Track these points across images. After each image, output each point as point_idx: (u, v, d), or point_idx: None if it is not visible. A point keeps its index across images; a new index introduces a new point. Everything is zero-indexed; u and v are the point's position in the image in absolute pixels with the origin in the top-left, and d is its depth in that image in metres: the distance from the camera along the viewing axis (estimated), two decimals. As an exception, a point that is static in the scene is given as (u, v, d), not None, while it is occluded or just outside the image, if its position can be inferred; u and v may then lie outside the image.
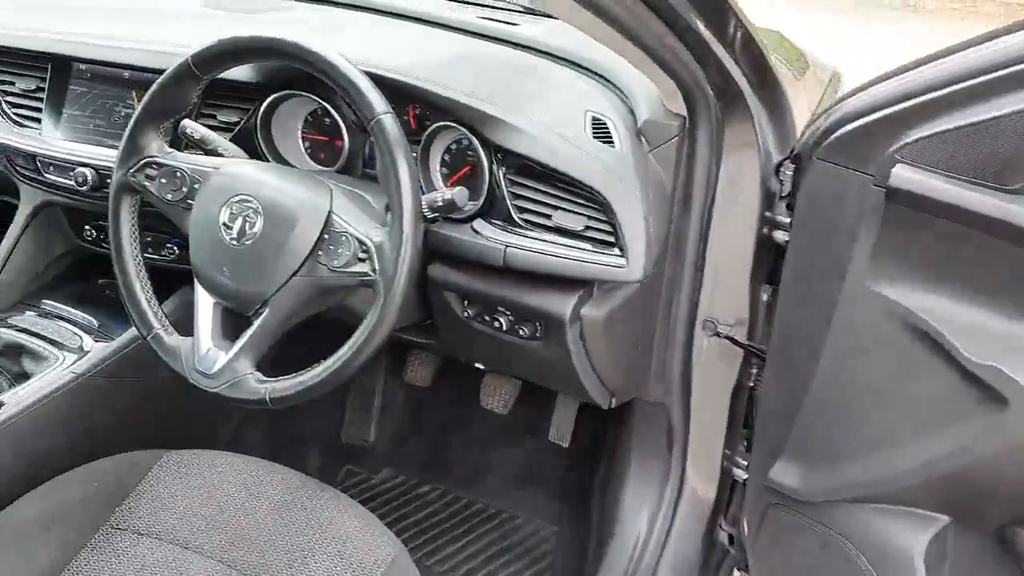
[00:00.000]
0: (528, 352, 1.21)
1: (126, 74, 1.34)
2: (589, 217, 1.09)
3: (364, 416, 1.88)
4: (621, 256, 1.06)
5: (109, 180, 1.30)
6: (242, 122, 1.28)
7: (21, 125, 1.40)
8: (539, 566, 1.66)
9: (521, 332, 1.18)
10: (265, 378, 1.02)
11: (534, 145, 1.10)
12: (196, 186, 1.07)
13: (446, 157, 1.23)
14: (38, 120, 1.39)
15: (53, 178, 1.36)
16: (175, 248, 1.41)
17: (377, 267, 0.96)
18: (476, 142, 1.14)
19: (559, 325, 1.13)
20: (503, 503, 1.76)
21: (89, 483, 1.15)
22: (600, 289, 1.14)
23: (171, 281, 1.45)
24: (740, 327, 1.27)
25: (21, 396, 1.21)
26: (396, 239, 0.95)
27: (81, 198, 1.35)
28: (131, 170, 1.10)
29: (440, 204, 1.06)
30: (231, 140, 1.23)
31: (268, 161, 1.28)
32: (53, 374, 1.26)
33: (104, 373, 1.30)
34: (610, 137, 1.14)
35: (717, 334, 1.27)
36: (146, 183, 1.09)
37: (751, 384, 1.30)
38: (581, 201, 1.10)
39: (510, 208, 1.14)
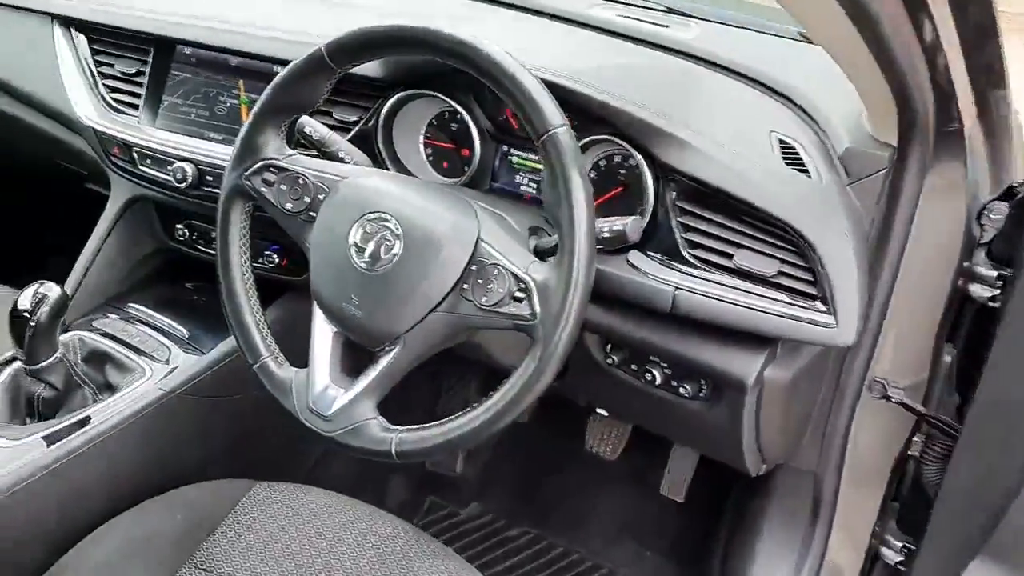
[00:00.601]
0: (682, 412, 1.05)
1: (233, 61, 1.21)
2: (782, 261, 0.92)
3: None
4: (828, 313, 0.89)
5: (209, 178, 1.20)
6: (361, 122, 1.14)
7: (117, 111, 1.28)
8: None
9: (682, 390, 1.02)
10: (391, 425, 0.88)
11: (715, 168, 0.93)
12: (321, 196, 0.93)
13: (592, 175, 1.08)
14: (136, 107, 1.27)
15: (149, 171, 1.24)
16: (274, 255, 1.28)
17: (538, 310, 0.80)
18: (641, 159, 0.98)
19: (738, 389, 0.96)
20: (602, 557, 1.60)
21: (173, 513, 1.04)
22: (784, 347, 0.97)
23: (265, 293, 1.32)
24: (914, 391, 1.09)
25: (109, 412, 1.09)
26: (564, 279, 0.79)
27: (178, 195, 1.23)
28: (247, 172, 0.96)
29: (607, 236, 0.90)
30: (348, 142, 1.10)
31: (387, 169, 1.14)
32: (141, 389, 1.14)
33: (192, 390, 1.18)
34: (803, 165, 0.97)
35: (887, 397, 1.09)
36: (263, 188, 0.96)
37: (918, 455, 1.12)
38: (772, 240, 0.93)
39: (678, 241, 0.98)
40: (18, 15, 1.36)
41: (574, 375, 1.15)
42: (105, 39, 1.31)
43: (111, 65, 1.30)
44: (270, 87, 0.95)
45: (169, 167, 1.21)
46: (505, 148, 1.14)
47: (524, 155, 1.13)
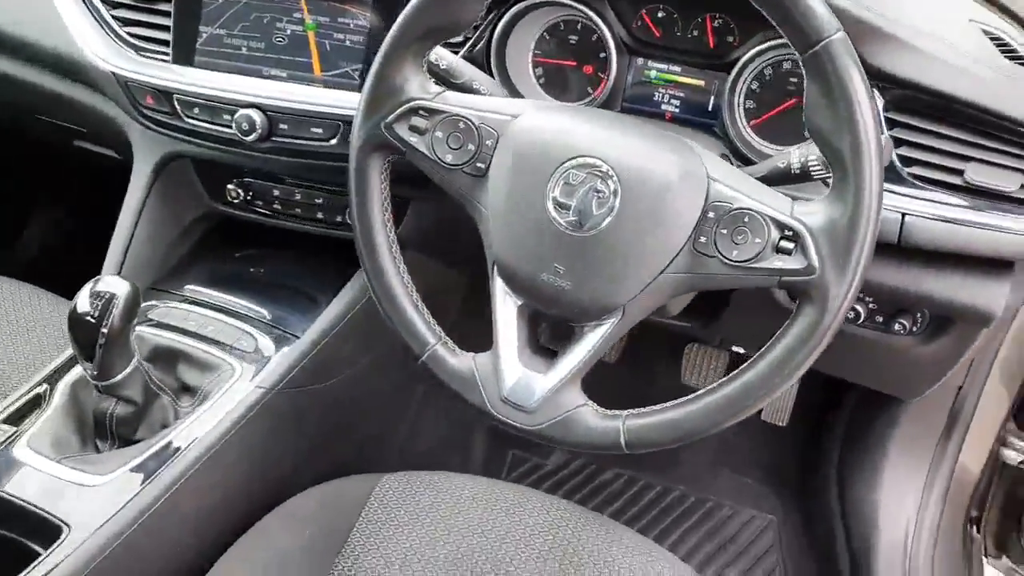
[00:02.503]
0: (879, 348, 0.93)
1: (290, -25, 0.97)
2: None
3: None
4: None
5: (283, 126, 0.98)
6: (469, 42, 0.93)
7: (139, 50, 1.02)
8: (766, 563, 1.42)
9: (897, 327, 0.89)
10: (609, 411, 0.73)
11: (940, 70, 0.78)
12: (490, 143, 0.73)
13: (754, 87, 0.91)
14: (163, 43, 1.02)
15: (199, 123, 0.99)
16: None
17: (817, 262, 0.65)
18: None
19: (980, 321, 0.84)
20: (704, 490, 1.51)
21: (301, 527, 0.88)
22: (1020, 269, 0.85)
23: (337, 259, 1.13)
24: None
25: (205, 425, 0.90)
26: (852, 221, 0.63)
27: (241, 150, 1.00)
28: (387, 120, 0.76)
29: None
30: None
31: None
32: (236, 390, 0.95)
33: (292, 383, 0.99)
34: (1021, 57, 0.82)
35: None
36: (412, 138, 0.75)
37: None
38: (1009, 150, 0.79)
39: (893, 158, 0.83)
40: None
41: (737, 317, 1.02)
42: (107, -42, 1.04)
43: (121, -9, 1.03)
44: (410, 6, 0.73)
45: (227, 116, 0.97)
46: (640, 61, 0.96)
47: (664, 68, 0.95)
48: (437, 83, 0.80)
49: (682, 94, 0.95)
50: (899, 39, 0.78)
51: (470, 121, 0.74)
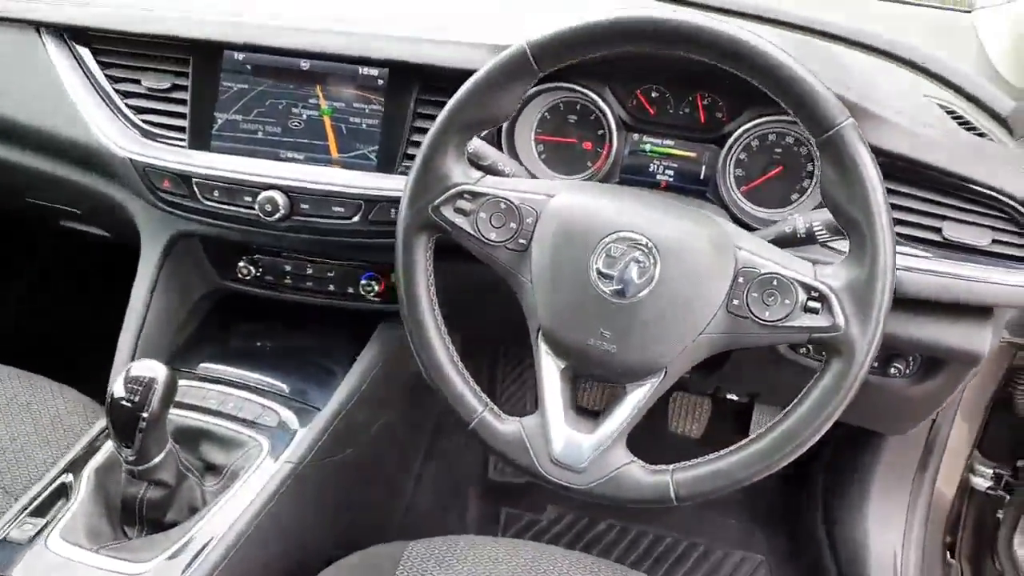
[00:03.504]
0: (874, 390, 1.01)
1: (305, 64, 1.02)
2: (993, 228, 0.89)
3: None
4: None
5: (304, 206, 1.01)
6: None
7: (154, 137, 1.05)
8: (759, 603, 1.48)
9: (892, 370, 0.97)
10: (655, 466, 0.78)
11: (910, 141, 0.88)
12: (530, 220, 0.79)
13: (743, 157, 1.00)
14: (178, 129, 1.05)
15: (218, 205, 1.02)
16: (372, 283, 1.11)
17: (842, 319, 0.73)
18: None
19: (968, 362, 0.93)
20: (694, 535, 1.56)
21: None
22: (996, 313, 0.95)
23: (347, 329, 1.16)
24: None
25: (239, 504, 0.91)
26: (871, 281, 0.71)
27: (261, 229, 1.03)
28: (434, 203, 0.81)
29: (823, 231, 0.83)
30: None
31: None
32: (267, 466, 0.96)
33: (317, 455, 1.01)
34: (975, 127, 0.94)
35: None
36: (457, 219, 0.81)
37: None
38: (978, 209, 0.90)
39: None
40: (4, 32, 1.08)
41: (737, 366, 1.09)
42: (119, 50, 1.06)
43: (135, 81, 1.05)
44: (455, 99, 0.80)
45: (248, 197, 1.01)
46: (636, 136, 1.04)
47: (659, 141, 1.04)
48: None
49: (675, 164, 1.03)
50: (882, 118, 0.89)
51: (511, 202, 0.80)
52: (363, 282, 1.11)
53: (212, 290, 1.17)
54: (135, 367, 0.86)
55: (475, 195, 0.81)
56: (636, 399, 0.78)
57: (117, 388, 0.85)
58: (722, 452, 0.76)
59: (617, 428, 0.78)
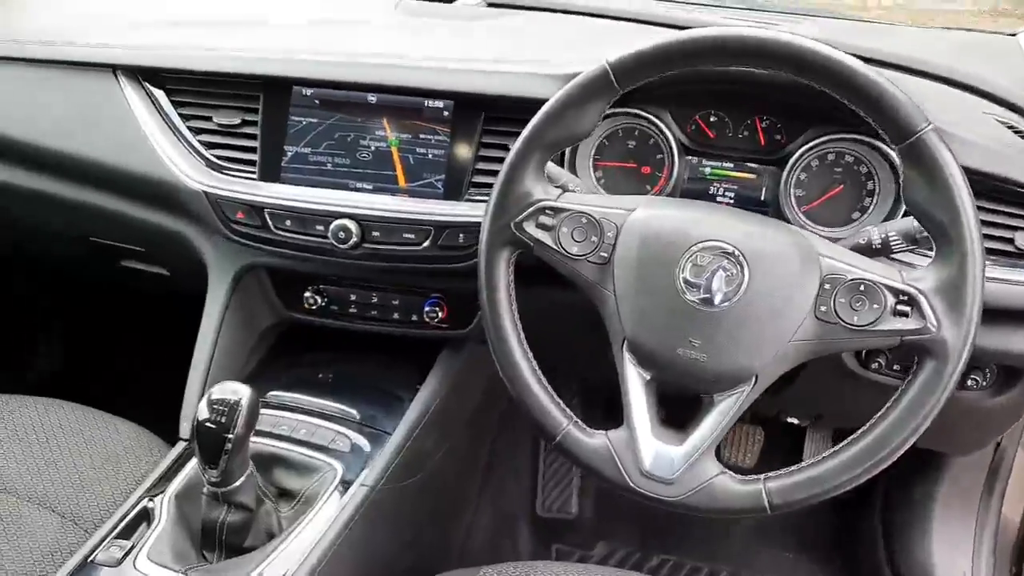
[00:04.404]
0: (950, 404, 1.01)
1: (372, 98, 1.06)
2: None
3: (563, 486, 1.62)
4: None
5: (375, 233, 1.04)
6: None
7: (225, 170, 1.08)
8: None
9: (969, 382, 0.98)
10: (747, 476, 0.78)
11: (980, 154, 0.90)
12: (611, 234, 0.82)
13: (803, 177, 1.03)
14: (248, 163, 1.08)
15: (289, 235, 1.05)
16: (436, 309, 1.13)
17: (935, 321, 0.74)
18: (878, 155, 0.95)
19: None
20: (750, 568, 1.54)
21: None
22: None
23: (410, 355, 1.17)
24: None
25: (319, 527, 0.92)
26: (961, 283, 0.73)
27: (331, 258, 1.05)
28: (516, 219, 0.83)
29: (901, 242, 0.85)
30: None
31: None
32: (342, 490, 0.96)
33: (389, 480, 1.01)
34: None
35: None
36: (539, 234, 0.83)
37: None
38: None
39: None
40: (79, 76, 1.13)
41: (807, 384, 1.10)
42: (191, 89, 1.10)
43: (206, 119, 1.09)
44: (537, 119, 0.83)
45: (320, 226, 1.03)
46: (695, 160, 1.07)
47: (718, 164, 1.06)
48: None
49: (735, 187, 1.06)
50: (953, 134, 0.91)
51: (592, 216, 0.82)
52: (427, 309, 1.13)
53: (277, 321, 1.19)
54: (218, 390, 0.87)
55: (556, 210, 0.83)
56: (725, 409, 0.79)
57: (202, 411, 0.86)
58: (814, 459, 0.77)
59: (707, 439, 0.79)
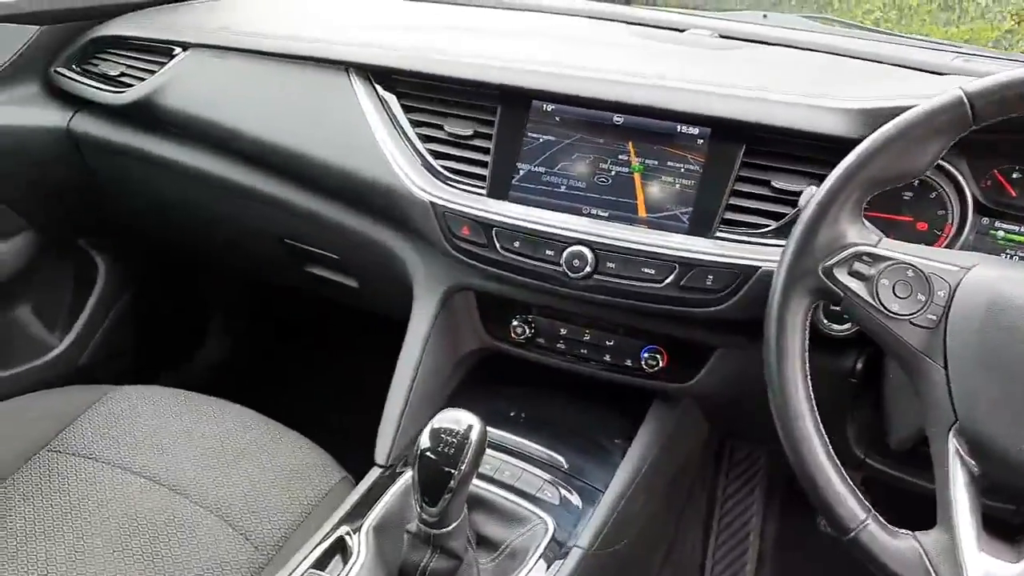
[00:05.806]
0: None
1: (618, 119, 0.97)
2: None
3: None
4: None
5: (610, 264, 0.94)
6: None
7: (451, 182, 1.02)
8: None
9: None
10: None
11: None
12: (942, 293, 0.69)
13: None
14: (478, 176, 1.01)
15: (517, 257, 0.96)
16: (657, 357, 1.02)
17: None
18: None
19: None
20: None
21: None
22: None
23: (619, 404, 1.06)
24: None
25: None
26: None
27: (557, 286, 0.96)
28: (828, 263, 0.72)
29: None
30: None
31: None
32: (555, 549, 0.85)
33: (603, 544, 0.90)
34: None
35: None
36: (851, 283, 0.71)
37: None
38: None
39: None
40: (313, 73, 1.10)
41: None
42: (424, 94, 1.05)
43: (438, 127, 1.03)
44: (863, 149, 0.71)
45: (549, 251, 0.94)
46: (986, 220, 0.92)
47: (1016, 229, 0.91)
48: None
49: None
50: None
51: (919, 269, 0.69)
52: (645, 355, 1.01)
53: (477, 348, 1.10)
54: (442, 418, 0.78)
55: (876, 258, 0.70)
56: None
57: (424, 440, 0.77)
58: None
59: None
